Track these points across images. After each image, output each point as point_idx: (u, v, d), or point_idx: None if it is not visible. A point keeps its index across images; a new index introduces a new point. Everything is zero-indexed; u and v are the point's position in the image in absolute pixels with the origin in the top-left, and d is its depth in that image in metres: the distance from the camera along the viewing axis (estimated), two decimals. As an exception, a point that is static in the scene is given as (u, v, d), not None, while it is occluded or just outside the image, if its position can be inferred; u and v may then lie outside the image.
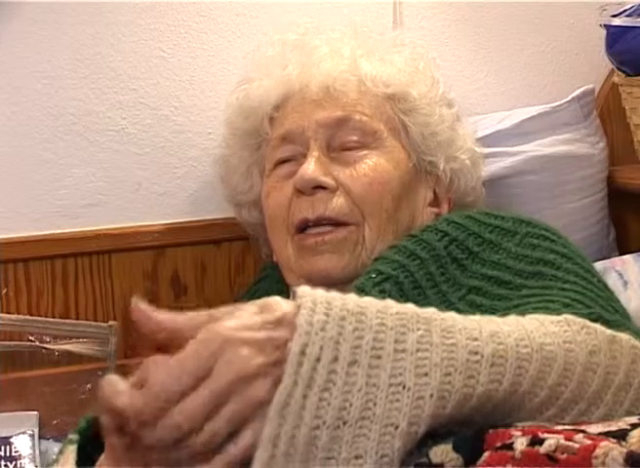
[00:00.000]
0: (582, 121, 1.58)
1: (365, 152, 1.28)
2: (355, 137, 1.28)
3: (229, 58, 1.54)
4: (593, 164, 1.58)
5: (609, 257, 1.55)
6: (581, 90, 1.59)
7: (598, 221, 1.59)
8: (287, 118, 1.31)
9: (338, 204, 1.25)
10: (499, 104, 1.64)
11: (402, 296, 1.14)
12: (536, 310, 1.00)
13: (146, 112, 1.50)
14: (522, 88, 1.67)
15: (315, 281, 1.24)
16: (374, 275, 1.15)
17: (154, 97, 1.51)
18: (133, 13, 1.48)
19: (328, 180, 1.25)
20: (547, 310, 1.00)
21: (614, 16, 1.53)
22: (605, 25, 1.54)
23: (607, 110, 1.66)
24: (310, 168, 1.25)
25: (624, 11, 1.53)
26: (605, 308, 1.09)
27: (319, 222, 1.25)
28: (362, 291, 1.15)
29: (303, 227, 1.26)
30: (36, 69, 1.45)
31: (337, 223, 1.25)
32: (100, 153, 1.49)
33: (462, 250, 1.18)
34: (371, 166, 1.27)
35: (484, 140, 1.47)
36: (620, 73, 1.57)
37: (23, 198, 1.46)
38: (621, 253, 1.58)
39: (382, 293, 1.13)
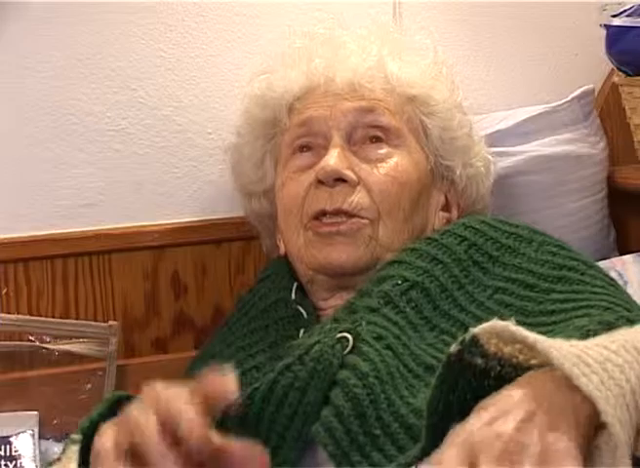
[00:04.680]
0: (582, 121, 1.58)
1: (386, 150, 1.29)
2: (378, 133, 1.29)
3: (229, 57, 1.54)
4: (593, 164, 1.58)
5: (609, 257, 1.55)
6: (582, 90, 1.59)
7: (598, 221, 1.59)
8: (308, 108, 1.32)
9: (357, 199, 1.25)
10: (499, 104, 1.64)
11: (429, 302, 1.14)
12: (578, 316, 1.02)
13: (146, 112, 1.50)
14: (522, 88, 1.67)
15: (326, 271, 1.25)
16: (399, 282, 1.16)
17: (154, 98, 1.51)
18: (133, 13, 1.48)
19: (350, 174, 1.25)
20: (590, 315, 1.03)
21: (614, 16, 1.53)
22: (605, 25, 1.54)
23: (607, 110, 1.66)
24: (333, 159, 1.25)
25: (624, 11, 1.53)
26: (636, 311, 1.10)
27: (335, 214, 1.25)
28: (389, 298, 1.15)
29: (319, 217, 1.26)
30: (36, 69, 1.44)
31: (352, 216, 1.25)
32: (100, 153, 1.49)
33: (482, 254, 1.19)
34: (392, 165, 1.28)
35: (484, 140, 1.47)
36: (620, 73, 1.57)
37: (23, 198, 1.46)
38: (621, 254, 1.58)
39: (411, 302, 1.14)
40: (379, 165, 1.27)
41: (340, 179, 1.25)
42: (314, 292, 1.28)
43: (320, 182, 1.26)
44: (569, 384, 0.76)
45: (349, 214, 1.25)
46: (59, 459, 1.02)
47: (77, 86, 1.47)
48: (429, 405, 0.85)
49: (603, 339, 0.82)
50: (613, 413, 0.74)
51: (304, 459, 1.06)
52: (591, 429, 0.76)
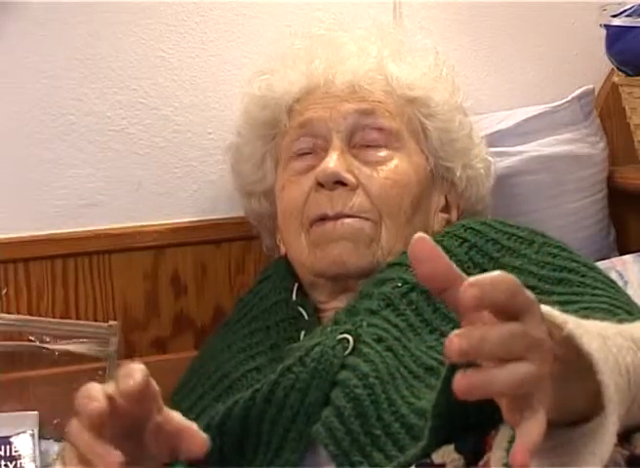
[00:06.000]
0: (582, 121, 1.58)
1: (386, 153, 1.28)
2: (378, 135, 1.28)
3: (229, 57, 1.54)
4: (593, 164, 1.58)
5: (609, 257, 1.55)
6: (581, 90, 1.59)
7: (598, 221, 1.59)
8: (308, 109, 1.31)
9: (357, 202, 1.25)
10: (499, 104, 1.63)
11: (429, 304, 1.14)
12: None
13: (146, 112, 1.50)
14: (522, 88, 1.67)
15: (329, 271, 1.24)
16: (399, 284, 1.16)
17: (154, 97, 1.51)
18: (133, 13, 1.48)
19: (349, 177, 1.25)
20: (590, 317, 1.02)
21: (614, 16, 1.53)
22: (605, 25, 1.54)
23: (607, 110, 1.65)
24: (333, 162, 1.25)
25: (624, 11, 1.52)
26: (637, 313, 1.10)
27: (337, 218, 1.25)
28: (389, 300, 1.15)
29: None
30: (36, 69, 1.44)
31: (356, 217, 1.25)
32: (99, 153, 1.48)
33: (483, 255, 1.19)
34: (392, 168, 1.27)
35: (484, 140, 1.46)
36: (620, 73, 1.56)
37: (23, 198, 1.46)
38: (621, 254, 1.58)
39: (411, 305, 1.14)
40: (378, 168, 1.27)
41: (340, 182, 1.25)
42: (315, 295, 1.28)
43: (320, 185, 1.25)
44: (570, 344, 0.75)
45: (351, 217, 1.25)
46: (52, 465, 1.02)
47: (77, 86, 1.47)
48: (434, 408, 0.85)
49: (600, 326, 0.82)
50: (609, 375, 0.74)
51: (306, 460, 1.06)
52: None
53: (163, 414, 0.83)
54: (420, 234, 0.74)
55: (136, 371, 0.79)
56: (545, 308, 0.77)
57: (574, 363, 0.74)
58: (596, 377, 0.73)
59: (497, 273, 0.71)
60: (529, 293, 0.73)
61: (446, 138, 1.33)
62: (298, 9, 1.56)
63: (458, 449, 0.85)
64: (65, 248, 1.46)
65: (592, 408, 0.75)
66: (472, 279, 0.70)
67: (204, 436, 0.83)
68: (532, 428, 0.70)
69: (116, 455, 0.79)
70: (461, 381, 0.69)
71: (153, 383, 0.81)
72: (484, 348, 0.69)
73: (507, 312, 0.71)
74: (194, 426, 0.83)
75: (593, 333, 0.76)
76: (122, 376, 0.80)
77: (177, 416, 0.84)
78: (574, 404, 0.75)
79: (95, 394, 0.80)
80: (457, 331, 0.70)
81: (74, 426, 0.81)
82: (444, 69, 1.38)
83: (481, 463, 0.84)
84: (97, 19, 1.47)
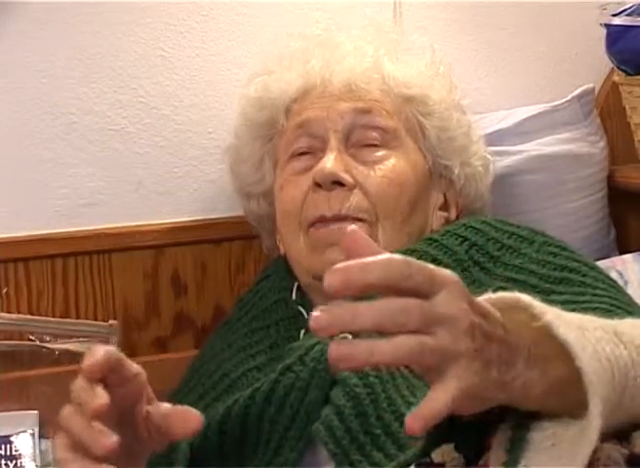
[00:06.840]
0: (583, 120, 1.58)
1: (384, 152, 1.28)
2: (375, 134, 1.28)
3: (229, 57, 1.54)
4: (593, 163, 1.58)
5: (609, 257, 1.55)
6: (582, 89, 1.59)
7: (598, 221, 1.59)
8: (306, 109, 1.31)
9: (354, 202, 1.25)
10: (499, 104, 1.63)
11: None
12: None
13: (146, 111, 1.50)
14: (522, 87, 1.67)
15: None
16: None
17: (154, 97, 1.51)
18: (133, 13, 1.48)
19: (347, 177, 1.25)
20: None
21: (614, 15, 1.53)
22: (605, 25, 1.54)
23: (607, 109, 1.65)
24: (330, 162, 1.25)
25: (624, 10, 1.53)
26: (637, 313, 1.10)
27: (335, 220, 1.24)
28: None
29: (319, 223, 1.25)
30: (36, 69, 1.44)
31: (353, 220, 1.24)
32: (99, 153, 1.49)
33: (483, 254, 1.19)
34: (390, 167, 1.27)
35: (484, 140, 1.46)
36: (620, 72, 1.57)
37: (23, 198, 1.46)
38: (622, 253, 1.58)
39: None
40: (376, 167, 1.27)
41: (338, 182, 1.25)
42: (313, 297, 1.28)
43: (318, 186, 1.25)
44: (548, 334, 0.75)
45: (348, 220, 1.24)
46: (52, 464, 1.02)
47: (77, 85, 1.47)
48: None
49: (582, 319, 0.82)
50: (588, 362, 0.74)
51: (305, 459, 1.06)
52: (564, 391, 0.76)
53: (154, 405, 0.83)
54: (351, 227, 0.73)
55: (97, 351, 0.81)
56: (526, 298, 0.77)
57: (548, 351, 0.75)
58: (575, 365, 0.73)
59: (380, 257, 0.70)
60: (442, 272, 0.73)
61: (444, 136, 1.32)
62: (297, 8, 1.56)
63: (457, 449, 0.85)
64: (65, 247, 1.46)
65: (580, 407, 0.75)
66: (339, 265, 0.70)
67: (197, 412, 0.83)
68: (434, 400, 0.70)
69: (111, 436, 0.78)
70: (333, 350, 0.68)
71: (132, 365, 0.83)
72: (355, 322, 0.68)
73: (408, 292, 0.70)
74: (186, 407, 0.84)
75: (572, 326, 0.76)
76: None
77: (166, 405, 0.84)
78: (554, 392, 0.76)
79: (93, 390, 0.81)
80: (322, 307, 0.69)
81: (68, 410, 0.82)
82: (441, 67, 1.38)
83: (481, 463, 0.83)
84: (97, 19, 1.47)
